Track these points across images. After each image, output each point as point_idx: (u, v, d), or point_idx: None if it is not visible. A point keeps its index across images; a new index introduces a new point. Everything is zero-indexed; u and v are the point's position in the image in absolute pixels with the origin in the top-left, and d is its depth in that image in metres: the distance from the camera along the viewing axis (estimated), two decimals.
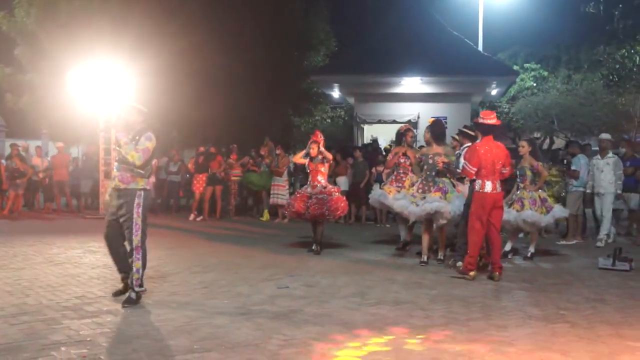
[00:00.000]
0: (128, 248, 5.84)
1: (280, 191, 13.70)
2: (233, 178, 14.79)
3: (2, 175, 14.55)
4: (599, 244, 10.07)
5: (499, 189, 7.32)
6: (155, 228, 12.17)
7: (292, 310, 5.59)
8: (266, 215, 14.29)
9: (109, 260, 6.33)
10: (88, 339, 4.65)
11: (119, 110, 6.11)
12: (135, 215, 5.73)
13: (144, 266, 5.83)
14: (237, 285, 6.70)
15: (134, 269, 5.73)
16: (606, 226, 10.32)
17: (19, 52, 17.85)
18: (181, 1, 17.39)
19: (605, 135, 10.97)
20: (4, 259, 8.23)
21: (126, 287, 5.91)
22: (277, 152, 14.09)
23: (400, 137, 9.54)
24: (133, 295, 5.72)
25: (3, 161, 15.16)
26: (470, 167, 7.23)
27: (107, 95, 13.59)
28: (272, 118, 18.78)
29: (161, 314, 5.43)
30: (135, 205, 5.74)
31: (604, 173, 10.28)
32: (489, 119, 7.45)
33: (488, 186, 7.21)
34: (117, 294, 6.02)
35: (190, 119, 17.72)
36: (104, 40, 17.09)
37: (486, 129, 7.43)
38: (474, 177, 7.29)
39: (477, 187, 7.26)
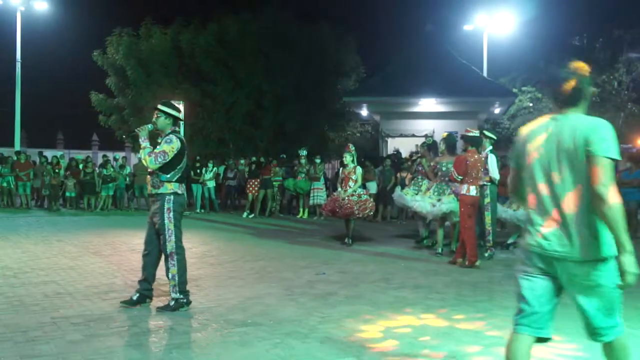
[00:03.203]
0: (162, 256, 4.86)
1: (319, 193, 13.77)
2: (274, 182, 14.77)
3: (97, 180, 14.96)
4: None
5: (478, 193, 7.23)
6: (215, 224, 12.38)
7: (328, 293, 5.58)
8: (304, 214, 14.25)
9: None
10: (163, 313, 4.73)
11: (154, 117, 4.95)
12: (166, 221, 4.71)
13: (181, 273, 4.75)
14: (282, 272, 6.71)
15: (170, 276, 4.75)
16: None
17: (109, 81, 18.60)
18: (237, 40, 17.78)
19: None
20: (97, 247, 8.45)
21: (141, 298, 4.89)
22: (317, 160, 14.09)
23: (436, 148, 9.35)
24: (172, 302, 4.76)
25: (97, 169, 15.55)
26: (457, 174, 7.19)
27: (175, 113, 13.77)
28: (311, 133, 18.96)
29: (220, 294, 5.50)
30: (165, 210, 4.71)
31: None
32: (473, 132, 7.48)
33: (473, 190, 7.12)
34: (126, 303, 4.85)
35: (244, 133, 18.16)
36: (174, 70, 17.80)
37: (472, 140, 7.37)
38: (460, 183, 7.20)
39: (463, 191, 7.15)
